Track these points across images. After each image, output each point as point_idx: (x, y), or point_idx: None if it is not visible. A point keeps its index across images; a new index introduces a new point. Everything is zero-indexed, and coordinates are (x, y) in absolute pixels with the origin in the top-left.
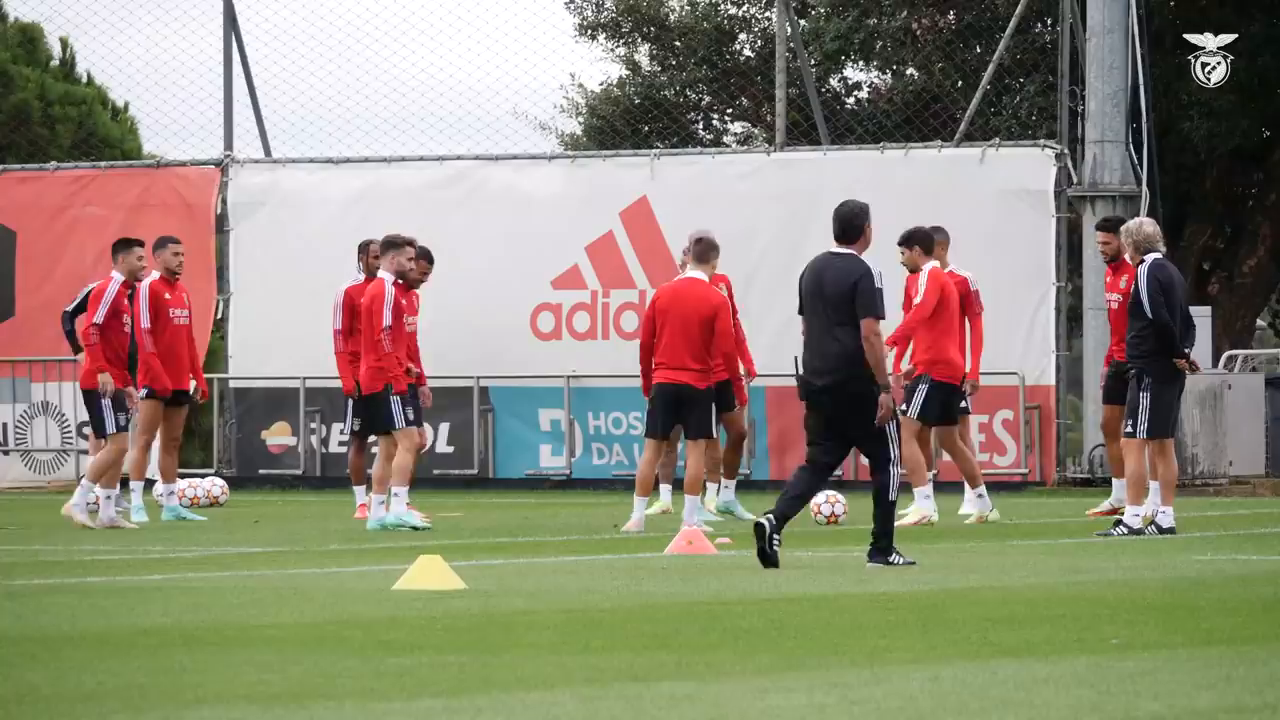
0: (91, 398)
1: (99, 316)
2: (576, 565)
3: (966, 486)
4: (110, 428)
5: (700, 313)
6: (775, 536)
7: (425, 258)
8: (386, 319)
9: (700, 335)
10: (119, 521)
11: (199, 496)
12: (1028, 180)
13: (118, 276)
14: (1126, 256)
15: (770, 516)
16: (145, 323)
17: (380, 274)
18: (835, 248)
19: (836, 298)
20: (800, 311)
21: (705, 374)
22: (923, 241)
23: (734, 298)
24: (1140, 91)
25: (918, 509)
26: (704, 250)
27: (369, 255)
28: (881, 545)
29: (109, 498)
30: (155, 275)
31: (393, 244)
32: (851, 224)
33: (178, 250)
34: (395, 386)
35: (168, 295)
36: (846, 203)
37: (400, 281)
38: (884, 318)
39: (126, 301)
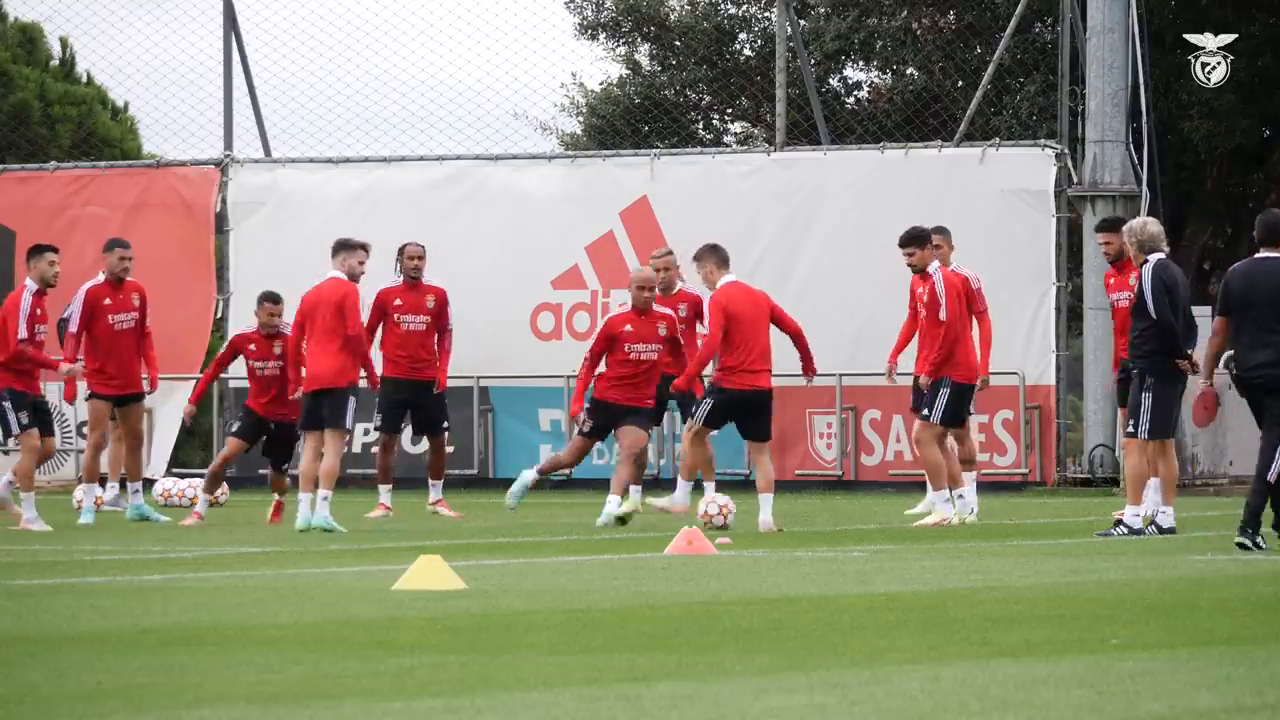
0: None
1: (22, 331)
2: (576, 565)
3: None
4: (14, 429)
5: (764, 314)
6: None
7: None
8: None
9: (767, 336)
10: (34, 524)
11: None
12: (1028, 180)
13: (30, 285)
14: (1130, 255)
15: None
16: (73, 327)
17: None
18: (1262, 252)
19: (1272, 299)
20: (1222, 312)
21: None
22: (919, 241)
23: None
24: (1140, 91)
25: (939, 510)
26: (726, 255)
27: (404, 257)
28: (1248, 521)
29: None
30: (100, 279)
31: (345, 246)
32: (1278, 229)
33: (124, 255)
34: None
35: (108, 300)
36: (1273, 210)
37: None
38: None
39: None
